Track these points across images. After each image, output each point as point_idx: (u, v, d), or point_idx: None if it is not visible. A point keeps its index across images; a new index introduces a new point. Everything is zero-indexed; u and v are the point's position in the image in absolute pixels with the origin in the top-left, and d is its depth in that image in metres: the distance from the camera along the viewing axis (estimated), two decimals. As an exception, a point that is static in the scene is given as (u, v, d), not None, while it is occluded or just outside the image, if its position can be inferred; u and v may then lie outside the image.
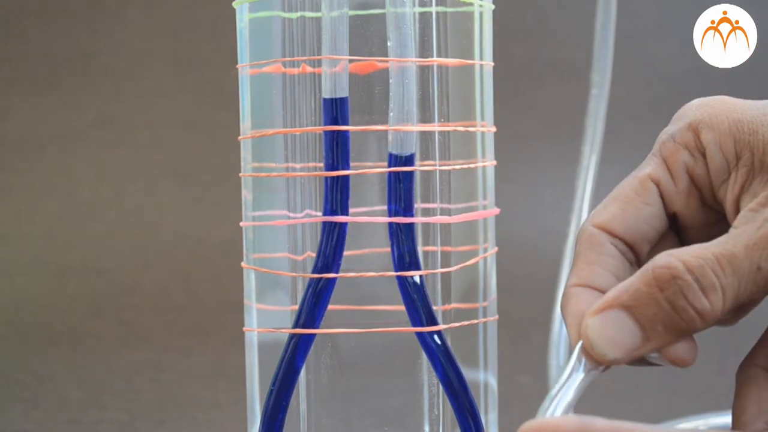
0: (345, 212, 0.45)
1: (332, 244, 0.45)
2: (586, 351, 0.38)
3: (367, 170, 0.46)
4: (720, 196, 0.41)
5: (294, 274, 0.47)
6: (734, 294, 0.37)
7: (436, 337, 0.45)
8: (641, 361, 0.39)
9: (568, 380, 0.38)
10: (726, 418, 0.59)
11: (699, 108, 0.42)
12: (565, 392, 0.37)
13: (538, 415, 0.37)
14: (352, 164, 0.45)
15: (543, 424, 0.34)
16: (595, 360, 0.38)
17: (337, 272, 0.45)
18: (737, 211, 0.40)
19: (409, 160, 0.45)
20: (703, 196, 0.42)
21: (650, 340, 0.37)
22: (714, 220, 0.42)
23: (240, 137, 0.48)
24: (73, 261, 1.14)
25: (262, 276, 0.48)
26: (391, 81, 0.45)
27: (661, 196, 0.41)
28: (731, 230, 0.38)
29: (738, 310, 0.40)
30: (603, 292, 0.39)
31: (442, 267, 0.47)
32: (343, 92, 0.44)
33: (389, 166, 0.45)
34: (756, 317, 0.42)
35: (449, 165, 0.47)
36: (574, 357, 0.38)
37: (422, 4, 0.46)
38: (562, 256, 0.66)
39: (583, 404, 0.39)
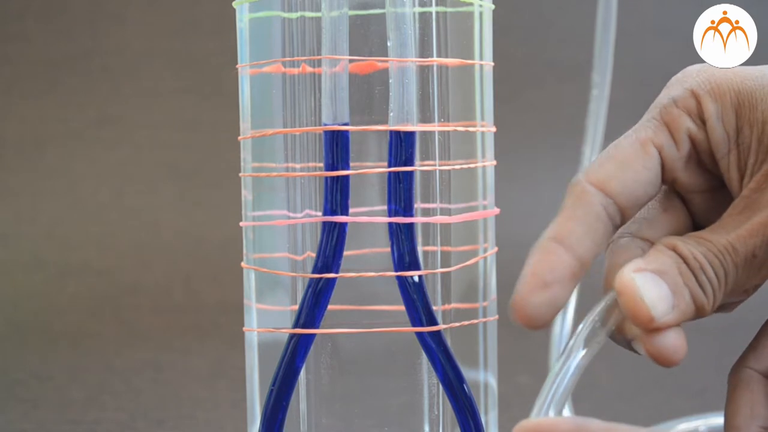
0: (345, 212, 0.45)
1: (332, 244, 0.45)
2: (630, 305, 0.37)
3: (367, 170, 0.46)
4: (723, 167, 0.41)
5: (294, 274, 0.47)
6: (734, 279, 0.38)
7: (436, 337, 0.45)
8: (626, 342, 0.39)
9: (563, 370, 0.37)
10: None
11: (700, 73, 0.41)
12: (560, 384, 0.37)
13: (534, 412, 0.37)
14: (352, 164, 0.45)
15: (539, 425, 0.34)
16: (638, 315, 0.37)
17: (337, 272, 0.45)
18: (740, 189, 0.40)
19: (409, 159, 0.45)
20: (702, 161, 0.41)
21: (677, 308, 0.37)
22: (715, 185, 0.42)
23: (240, 137, 0.48)
24: (73, 261, 1.14)
25: (262, 276, 0.48)
26: (391, 81, 0.45)
27: (662, 162, 0.41)
28: (727, 216, 0.39)
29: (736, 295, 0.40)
30: (575, 253, 0.38)
31: (442, 267, 0.47)
32: (343, 90, 0.44)
33: (389, 165, 0.45)
34: (753, 318, 0.42)
35: (449, 165, 0.47)
36: (569, 350, 0.38)
37: (422, 4, 0.46)
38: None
39: (582, 404, 0.39)
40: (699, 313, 0.38)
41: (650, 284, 0.37)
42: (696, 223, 0.42)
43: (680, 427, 0.61)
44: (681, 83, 0.42)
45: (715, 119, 0.40)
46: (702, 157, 0.41)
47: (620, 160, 0.40)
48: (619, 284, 0.37)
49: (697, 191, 0.42)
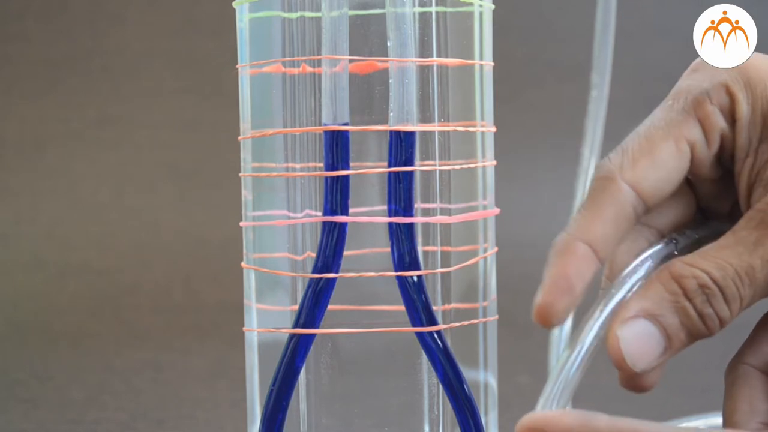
0: (345, 212, 0.45)
1: (332, 244, 0.45)
2: (614, 361, 0.37)
3: (367, 170, 0.46)
4: (737, 170, 0.40)
5: (294, 274, 0.47)
6: (749, 301, 0.38)
7: (436, 337, 0.45)
8: None
9: (567, 368, 0.37)
10: (726, 418, 0.59)
11: (731, 67, 0.40)
12: (566, 382, 0.37)
13: (538, 406, 0.37)
14: (352, 164, 0.45)
15: (544, 418, 0.34)
16: (621, 370, 0.37)
17: (337, 272, 0.45)
18: (749, 195, 0.39)
19: (409, 159, 0.45)
20: (724, 157, 0.41)
21: (671, 348, 0.37)
22: (725, 174, 0.41)
23: (240, 137, 0.48)
24: (73, 261, 1.14)
25: (262, 276, 0.48)
26: (391, 81, 0.45)
27: (691, 158, 0.40)
28: (741, 229, 0.38)
29: None
30: (601, 254, 0.38)
31: (442, 267, 0.47)
32: (343, 90, 0.44)
33: (389, 165, 0.45)
34: (754, 316, 0.42)
35: (449, 165, 0.47)
36: (574, 345, 0.38)
37: (422, 4, 0.46)
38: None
39: (583, 404, 0.39)
40: (699, 339, 0.38)
41: (637, 338, 0.37)
42: (700, 206, 0.42)
43: (680, 427, 0.61)
44: (711, 73, 0.41)
45: (745, 122, 0.40)
46: (724, 154, 0.41)
47: (654, 159, 0.39)
48: (608, 337, 0.37)
49: (710, 180, 0.41)
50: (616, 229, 0.39)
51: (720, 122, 0.40)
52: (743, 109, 0.40)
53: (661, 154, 0.39)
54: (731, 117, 0.40)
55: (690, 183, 0.42)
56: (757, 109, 0.39)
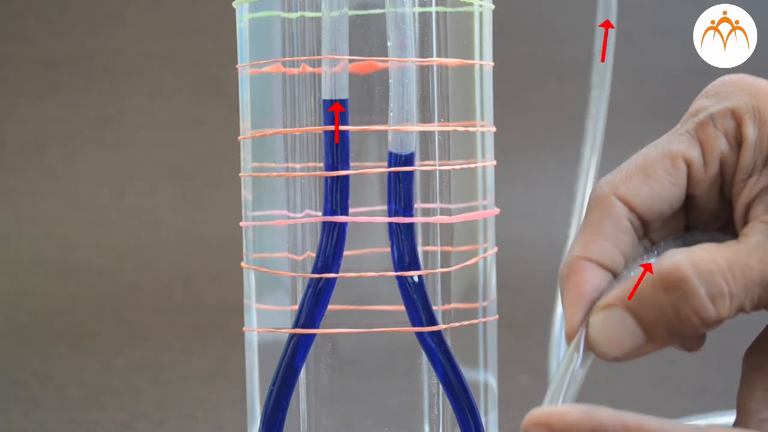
0: (345, 212, 0.45)
1: (332, 244, 0.45)
2: (588, 346, 0.37)
3: (367, 170, 0.46)
4: (735, 191, 0.40)
5: (294, 274, 0.47)
6: (740, 303, 0.36)
7: (436, 337, 0.45)
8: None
9: (572, 365, 0.37)
10: (725, 418, 0.59)
11: (743, 93, 0.40)
12: (571, 379, 0.37)
13: (545, 402, 0.37)
14: (352, 164, 0.45)
15: (550, 413, 0.34)
16: (597, 356, 0.37)
17: (337, 272, 0.45)
18: (746, 214, 0.39)
19: (408, 159, 0.45)
20: (724, 184, 0.40)
21: (653, 341, 0.37)
22: (724, 206, 0.41)
23: (240, 137, 0.48)
24: (73, 261, 1.14)
25: (262, 276, 0.48)
26: (391, 81, 0.45)
27: (688, 178, 0.40)
28: (744, 238, 0.37)
29: None
30: (607, 269, 0.39)
31: (442, 267, 0.47)
32: (343, 93, 0.44)
33: (389, 165, 0.45)
34: (756, 316, 0.42)
35: (449, 165, 0.47)
36: (579, 342, 0.38)
37: (422, 4, 0.46)
38: (562, 256, 0.66)
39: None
40: (694, 331, 0.37)
41: (607, 325, 0.37)
42: (689, 218, 0.42)
43: (682, 423, 0.61)
44: (722, 99, 0.40)
45: (751, 143, 0.39)
46: (725, 180, 0.40)
47: (649, 174, 0.40)
48: (588, 323, 0.37)
49: (708, 210, 0.41)
50: (617, 242, 0.39)
51: (721, 146, 0.40)
52: (750, 132, 0.39)
53: (656, 170, 0.40)
54: (736, 140, 0.40)
55: (686, 208, 0.42)
56: (764, 133, 0.39)
